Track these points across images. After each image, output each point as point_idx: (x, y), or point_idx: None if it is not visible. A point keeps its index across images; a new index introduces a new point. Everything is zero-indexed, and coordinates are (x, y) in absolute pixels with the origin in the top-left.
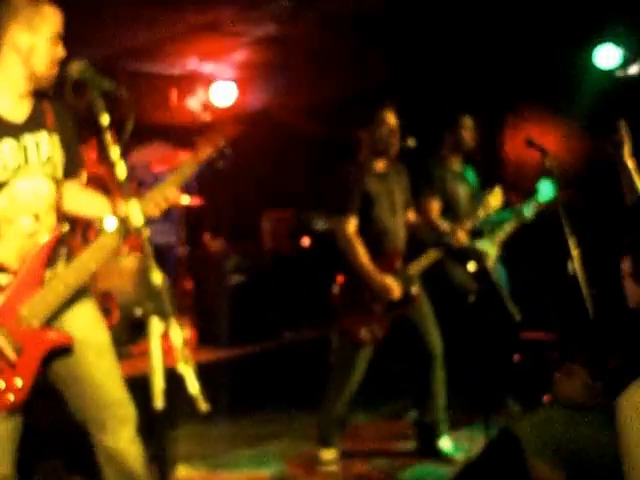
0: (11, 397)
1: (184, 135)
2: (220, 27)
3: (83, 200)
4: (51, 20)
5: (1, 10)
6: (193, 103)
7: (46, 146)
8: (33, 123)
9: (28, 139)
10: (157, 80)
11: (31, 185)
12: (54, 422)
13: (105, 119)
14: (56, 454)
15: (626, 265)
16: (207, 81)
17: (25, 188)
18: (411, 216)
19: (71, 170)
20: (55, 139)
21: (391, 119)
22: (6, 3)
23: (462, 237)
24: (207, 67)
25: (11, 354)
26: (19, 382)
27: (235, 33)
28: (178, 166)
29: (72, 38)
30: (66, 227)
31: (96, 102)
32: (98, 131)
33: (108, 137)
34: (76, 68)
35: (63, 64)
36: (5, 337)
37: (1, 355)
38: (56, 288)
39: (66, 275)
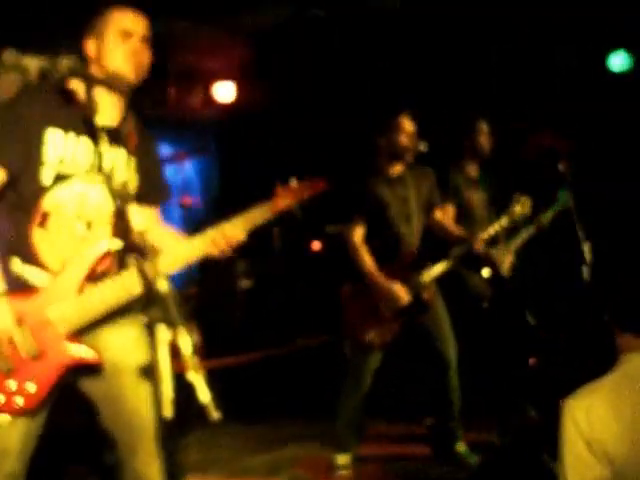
0: (20, 401)
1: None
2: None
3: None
4: (115, 20)
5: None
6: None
7: (121, 164)
8: (116, 138)
9: (106, 150)
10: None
11: (94, 193)
12: (77, 428)
13: (99, 118)
14: (79, 460)
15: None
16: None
17: (88, 193)
18: (438, 215)
19: (146, 197)
20: (132, 162)
21: (408, 125)
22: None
23: (478, 244)
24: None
25: (26, 352)
26: (32, 387)
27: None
28: (249, 209)
29: (65, 35)
30: (117, 245)
31: (90, 100)
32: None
33: (102, 136)
34: (66, 64)
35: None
36: (24, 334)
37: (16, 352)
38: (92, 301)
39: (106, 292)
